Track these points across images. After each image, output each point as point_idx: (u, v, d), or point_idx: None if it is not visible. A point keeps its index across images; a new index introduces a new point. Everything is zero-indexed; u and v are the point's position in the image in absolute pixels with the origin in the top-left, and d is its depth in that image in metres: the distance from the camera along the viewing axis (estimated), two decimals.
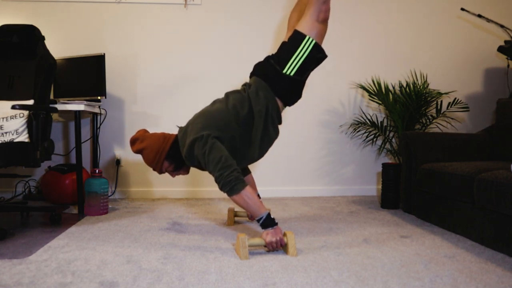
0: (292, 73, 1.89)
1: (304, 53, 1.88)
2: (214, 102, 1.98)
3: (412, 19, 3.24)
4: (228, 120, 1.83)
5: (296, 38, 1.91)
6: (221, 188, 1.70)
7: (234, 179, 1.66)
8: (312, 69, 1.98)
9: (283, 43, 1.99)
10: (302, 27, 1.91)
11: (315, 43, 1.90)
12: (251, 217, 2.23)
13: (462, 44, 3.29)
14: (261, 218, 1.68)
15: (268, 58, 1.98)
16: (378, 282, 1.39)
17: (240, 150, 1.86)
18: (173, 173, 1.99)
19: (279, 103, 1.94)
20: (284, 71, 1.89)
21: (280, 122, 1.96)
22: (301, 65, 1.89)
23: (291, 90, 1.95)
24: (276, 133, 1.94)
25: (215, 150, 1.71)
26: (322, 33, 1.94)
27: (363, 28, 3.20)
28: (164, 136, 1.93)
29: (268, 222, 1.68)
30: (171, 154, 1.90)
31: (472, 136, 2.63)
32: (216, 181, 1.70)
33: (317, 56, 1.93)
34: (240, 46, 3.11)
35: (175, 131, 3.18)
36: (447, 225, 2.12)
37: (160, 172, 1.96)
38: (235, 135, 1.83)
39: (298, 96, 2.00)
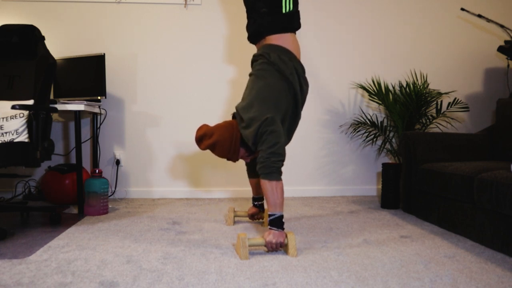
0: (291, 8, 1.95)
1: None
2: (247, 86, 1.96)
3: (412, 19, 3.24)
4: (276, 96, 1.84)
5: None
6: (259, 168, 1.71)
7: (276, 168, 1.69)
8: None
9: None
10: None
11: None
12: (251, 217, 2.23)
13: (462, 44, 3.29)
14: (273, 215, 1.69)
15: (256, 12, 2.00)
16: (378, 282, 1.39)
17: (292, 119, 1.91)
18: (249, 157, 1.99)
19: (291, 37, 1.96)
20: (284, 10, 1.94)
21: (305, 72, 1.98)
22: None
23: (296, 18, 2.00)
24: (307, 86, 1.98)
25: (275, 134, 1.73)
26: None
27: (363, 28, 3.20)
28: (231, 124, 1.90)
29: (278, 223, 1.68)
30: (243, 139, 1.88)
31: (472, 136, 2.62)
32: (260, 160, 1.71)
33: None
34: (240, 46, 3.10)
35: (176, 130, 3.18)
36: (447, 225, 2.12)
37: (236, 160, 1.95)
38: (287, 108, 1.86)
39: (299, 17, 2.06)
